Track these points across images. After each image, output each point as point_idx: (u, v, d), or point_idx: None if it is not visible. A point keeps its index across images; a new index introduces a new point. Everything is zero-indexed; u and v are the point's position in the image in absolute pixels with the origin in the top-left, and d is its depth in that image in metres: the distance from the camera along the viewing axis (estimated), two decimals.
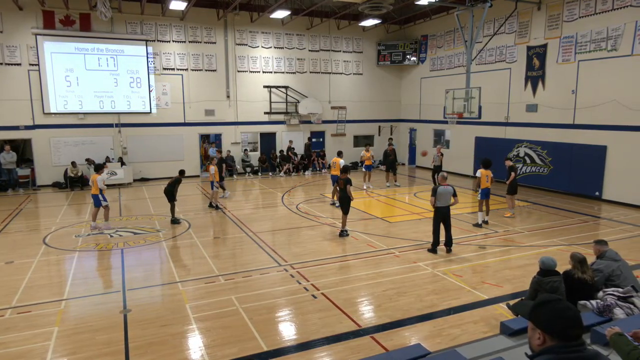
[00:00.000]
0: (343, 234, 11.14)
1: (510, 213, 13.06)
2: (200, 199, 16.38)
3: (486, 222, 12.27)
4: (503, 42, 18.62)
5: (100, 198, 11.86)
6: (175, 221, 12.50)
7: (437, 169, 18.32)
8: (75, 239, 11.12)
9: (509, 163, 13.18)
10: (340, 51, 23.71)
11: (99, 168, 12.33)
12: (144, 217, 13.35)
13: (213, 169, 14.08)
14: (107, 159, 19.10)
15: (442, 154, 18.32)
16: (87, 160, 18.73)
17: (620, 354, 3.71)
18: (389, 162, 18.48)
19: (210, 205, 14.41)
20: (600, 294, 5.81)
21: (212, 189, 14.22)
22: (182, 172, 13.00)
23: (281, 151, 22.48)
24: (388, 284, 8.02)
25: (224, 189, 15.95)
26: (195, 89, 20.78)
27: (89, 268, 9.14)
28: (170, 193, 12.49)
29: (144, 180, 20.01)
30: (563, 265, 6.76)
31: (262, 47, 21.89)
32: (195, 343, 6.01)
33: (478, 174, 12.34)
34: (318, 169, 22.89)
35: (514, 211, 13.19)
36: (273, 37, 22.03)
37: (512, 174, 12.82)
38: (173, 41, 20.14)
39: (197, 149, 21.54)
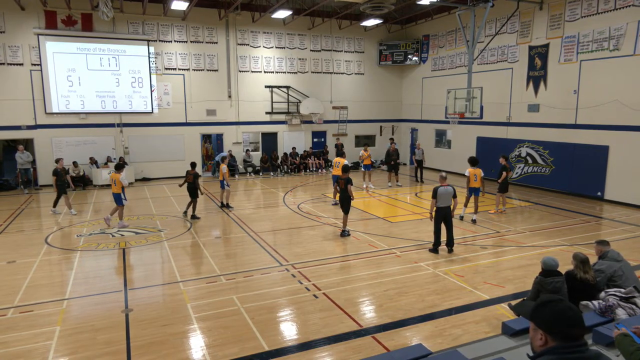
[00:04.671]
0: (344, 233, 11.14)
1: (500, 210, 13.37)
2: (201, 198, 16.34)
3: (474, 221, 12.48)
4: (505, 42, 18.58)
5: (123, 197, 12.01)
6: (194, 217, 13.04)
7: (419, 164, 19.10)
8: (76, 238, 11.14)
9: (502, 161, 13.46)
10: (341, 51, 23.71)
11: (119, 167, 12.40)
12: (146, 217, 13.36)
13: (225, 168, 14.04)
14: (109, 159, 19.15)
15: (422, 149, 19.49)
16: (91, 159, 18.81)
17: (623, 354, 3.70)
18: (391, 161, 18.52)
19: (228, 206, 14.39)
20: (602, 294, 5.79)
21: (222, 187, 14.23)
22: (193, 165, 13.41)
23: (285, 154, 22.64)
24: (389, 283, 8.01)
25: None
26: (196, 88, 20.79)
27: (90, 268, 9.14)
28: (194, 189, 12.88)
29: (145, 180, 20.03)
30: (565, 266, 6.75)
31: (264, 47, 21.90)
32: (196, 343, 6.01)
33: (466, 172, 12.60)
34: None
35: (505, 208, 13.52)
36: (274, 37, 22.04)
37: (504, 173, 13.17)
38: (175, 41, 20.16)
39: (199, 149, 21.57)
